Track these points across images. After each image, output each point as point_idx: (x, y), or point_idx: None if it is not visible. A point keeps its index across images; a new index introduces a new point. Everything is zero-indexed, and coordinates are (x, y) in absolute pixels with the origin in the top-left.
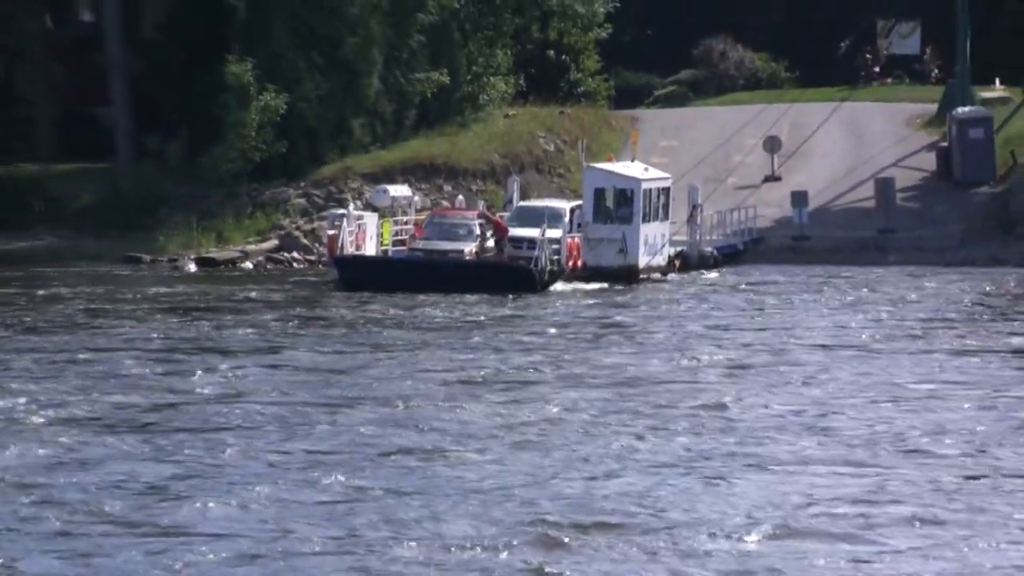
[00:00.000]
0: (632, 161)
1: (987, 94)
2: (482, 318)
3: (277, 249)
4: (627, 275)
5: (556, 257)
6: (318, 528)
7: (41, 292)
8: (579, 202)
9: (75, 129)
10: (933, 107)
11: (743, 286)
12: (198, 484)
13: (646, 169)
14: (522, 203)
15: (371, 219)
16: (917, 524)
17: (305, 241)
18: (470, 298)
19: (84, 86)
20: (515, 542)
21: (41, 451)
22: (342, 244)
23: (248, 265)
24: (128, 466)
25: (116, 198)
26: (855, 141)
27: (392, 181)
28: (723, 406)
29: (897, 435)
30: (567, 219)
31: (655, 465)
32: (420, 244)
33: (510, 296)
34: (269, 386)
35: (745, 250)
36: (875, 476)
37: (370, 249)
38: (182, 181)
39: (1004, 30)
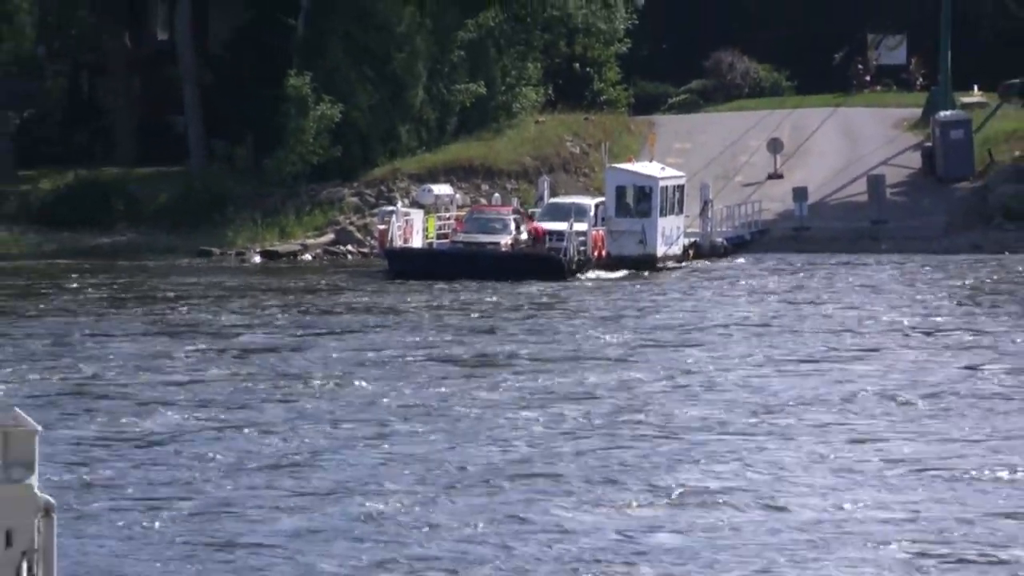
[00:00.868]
0: (650, 161)
1: (966, 99)
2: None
3: (333, 243)
4: (647, 263)
5: (583, 248)
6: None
7: (142, 281)
8: (603, 199)
9: (152, 136)
10: (918, 111)
11: (753, 271)
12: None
13: (662, 168)
14: (552, 200)
15: (417, 215)
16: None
17: (358, 235)
18: (506, 286)
19: (159, 97)
20: None
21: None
22: (392, 238)
23: (307, 257)
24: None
25: (189, 198)
26: (849, 142)
27: (436, 181)
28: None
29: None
30: (592, 214)
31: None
32: (461, 237)
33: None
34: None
35: (752, 240)
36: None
37: (416, 242)
38: (248, 182)
39: (981, 42)
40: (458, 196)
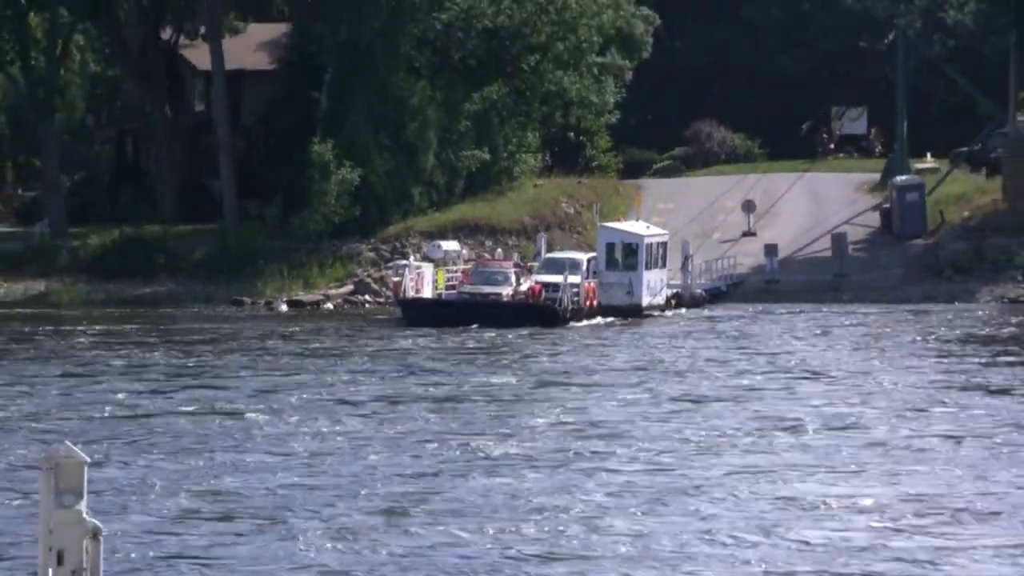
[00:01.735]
0: (636, 220)
1: (920, 165)
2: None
3: (352, 293)
4: (633, 312)
5: (576, 298)
6: None
7: (189, 328)
8: (594, 254)
9: (190, 197)
10: (877, 176)
11: (728, 319)
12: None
13: (648, 227)
14: (548, 255)
15: (428, 268)
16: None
17: (375, 286)
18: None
19: (197, 162)
20: None
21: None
22: (405, 288)
23: (329, 306)
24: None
25: (223, 252)
26: (815, 203)
27: (444, 238)
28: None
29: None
30: (585, 267)
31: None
32: (467, 288)
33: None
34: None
35: (728, 292)
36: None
37: (427, 292)
38: (276, 238)
39: (933, 115)
40: (464, 251)
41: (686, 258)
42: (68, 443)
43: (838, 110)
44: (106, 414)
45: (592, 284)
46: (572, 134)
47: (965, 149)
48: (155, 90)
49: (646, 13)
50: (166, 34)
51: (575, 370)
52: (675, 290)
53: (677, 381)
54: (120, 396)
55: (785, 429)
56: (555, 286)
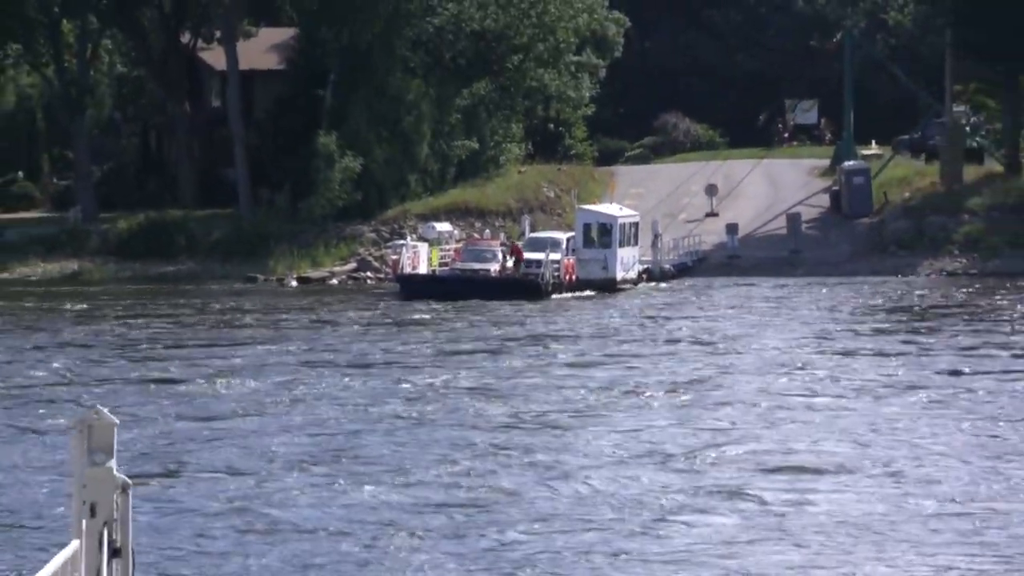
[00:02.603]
0: (610, 203)
1: (866, 152)
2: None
3: (355, 270)
4: (608, 285)
5: (557, 273)
6: None
7: (206, 302)
8: (573, 233)
9: (208, 185)
10: (827, 161)
11: (696, 290)
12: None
13: (621, 209)
14: (531, 235)
15: (423, 247)
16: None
17: (375, 264)
18: (497, 304)
19: (214, 154)
20: None
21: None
22: (402, 266)
23: (334, 282)
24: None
25: (238, 234)
26: (771, 187)
27: (438, 220)
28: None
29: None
30: (564, 245)
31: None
32: (458, 265)
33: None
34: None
35: (693, 266)
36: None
37: (423, 269)
38: (286, 222)
39: (877, 106)
40: (456, 232)
41: (655, 237)
42: (99, 406)
43: (792, 103)
44: (132, 377)
45: (571, 260)
46: (552, 126)
47: (906, 137)
48: (175, 89)
49: (618, 16)
50: (185, 38)
51: (489, 337)
52: (646, 265)
53: (573, 347)
54: (143, 360)
55: (626, 392)
56: (538, 262)
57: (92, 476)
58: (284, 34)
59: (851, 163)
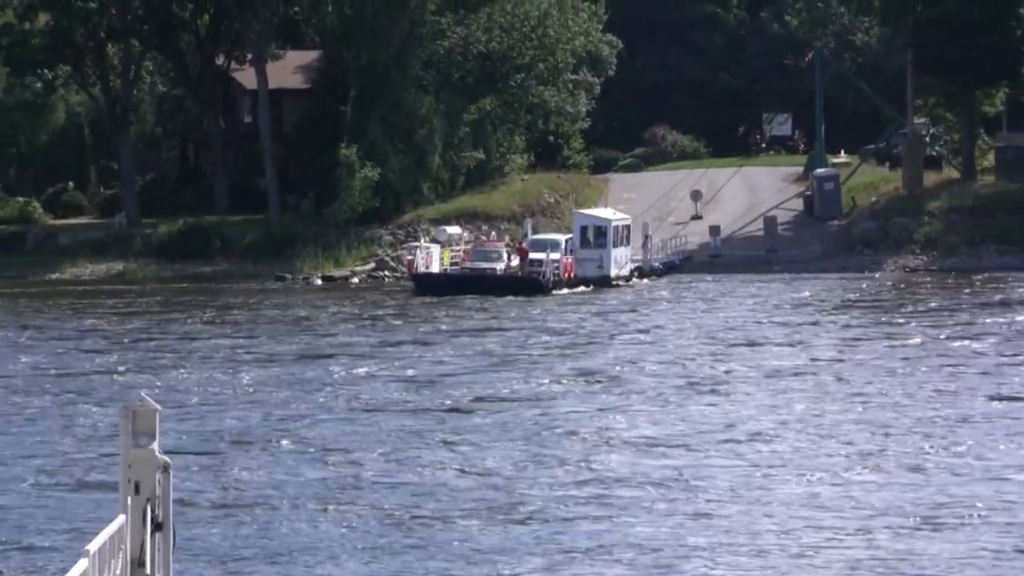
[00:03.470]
0: (605, 208)
1: (836, 160)
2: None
3: (374, 269)
4: (603, 282)
5: (557, 271)
6: None
7: (247, 300)
8: (571, 235)
9: (241, 193)
10: (800, 169)
11: (681, 286)
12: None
13: (614, 213)
14: (534, 236)
15: (435, 249)
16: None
17: (392, 264)
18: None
19: (246, 164)
20: None
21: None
22: (417, 265)
23: (355, 280)
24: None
25: (268, 237)
26: (750, 192)
27: (448, 224)
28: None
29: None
30: (564, 246)
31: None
32: (467, 264)
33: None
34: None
35: (680, 265)
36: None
37: (435, 268)
38: (311, 225)
39: (846, 119)
40: (465, 234)
41: (646, 238)
42: (143, 393)
43: (768, 116)
44: (167, 363)
45: (569, 260)
46: (552, 138)
47: (872, 146)
48: (211, 107)
49: (611, 39)
50: (220, 60)
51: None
52: (637, 264)
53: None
54: (184, 346)
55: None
56: (539, 261)
57: (136, 457)
58: (309, 56)
59: (822, 170)
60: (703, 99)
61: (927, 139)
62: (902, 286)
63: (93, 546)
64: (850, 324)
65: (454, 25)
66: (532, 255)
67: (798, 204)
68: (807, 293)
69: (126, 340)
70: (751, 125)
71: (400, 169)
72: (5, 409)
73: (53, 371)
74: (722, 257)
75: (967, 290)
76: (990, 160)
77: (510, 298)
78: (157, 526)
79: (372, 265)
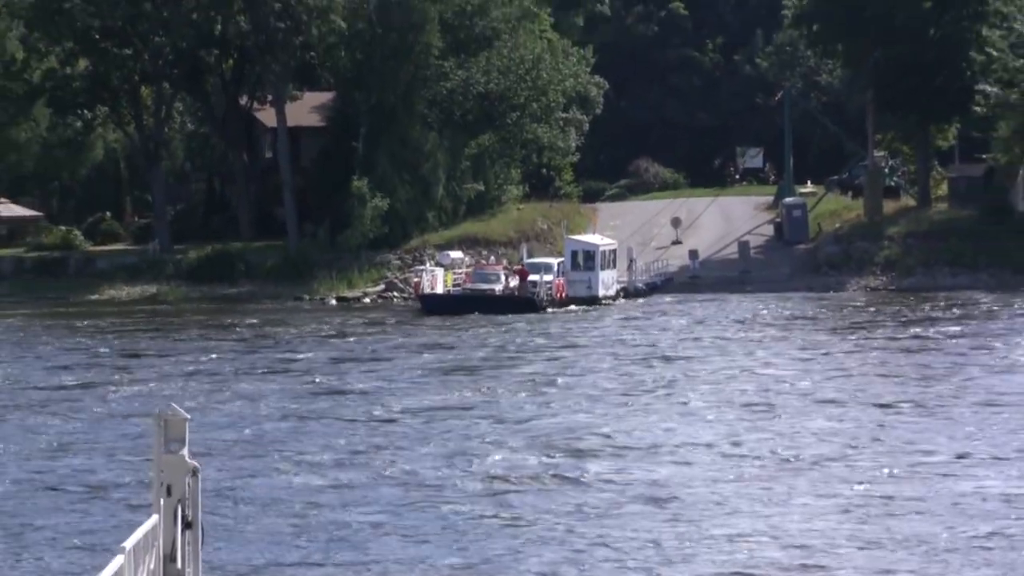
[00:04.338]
0: (593, 234)
1: (803, 190)
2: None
3: (384, 291)
4: (592, 301)
5: (550, 292)
6: None
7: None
8: (563, 259)
9: (262, 221)
10: (771, 198)
11: (663, 304)
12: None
13: (602, 238)
14: (529, 260)
15: (440, 272)
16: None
17: (401, 285)
18: (504, 317)
19: (267, 196)
20: None
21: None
22: (423, 287)
23: (367, 300)
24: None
25: (287, 262)
26: (725, 219)
27: (451, 249)
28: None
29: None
30: (556, 269)
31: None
32: (469, 286)
33: (524, 315)
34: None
35: (661, 285)
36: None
37: (439, 289)
38: (327, 251)
39: (812, 152)
40: (466, 258)
41: (630, 261)
42: (173, 404)
43: (741, 149)
44: (194, 373)
45: (561, 281)
46: (544, 170)
47: (836, 177)
48: (235, 143)
49: (598, 80)
50: (243, 101)
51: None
52: (623, 285)
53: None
54: (211, 361)
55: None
56: (534, 283)
57: (168, 462)
58: (324, 97)
59: (791, 199)
60: (682, 135)
61: (886, 170)
62: (859, 303)
63: (129, 543)
64: (786, 336)
65: (456, 68)
66: (528, 278)
67: (769, 230)
68: (765, 311)
69: (163, 353)
70: (726, 158)
71: (407, 199)
72: (47, 418)
73: (99, 380)
74: (700, 278)
75: (926, 306)
76: (943, 189)
77: (508, 316)
78: (187, 525)
79: (382, 287)
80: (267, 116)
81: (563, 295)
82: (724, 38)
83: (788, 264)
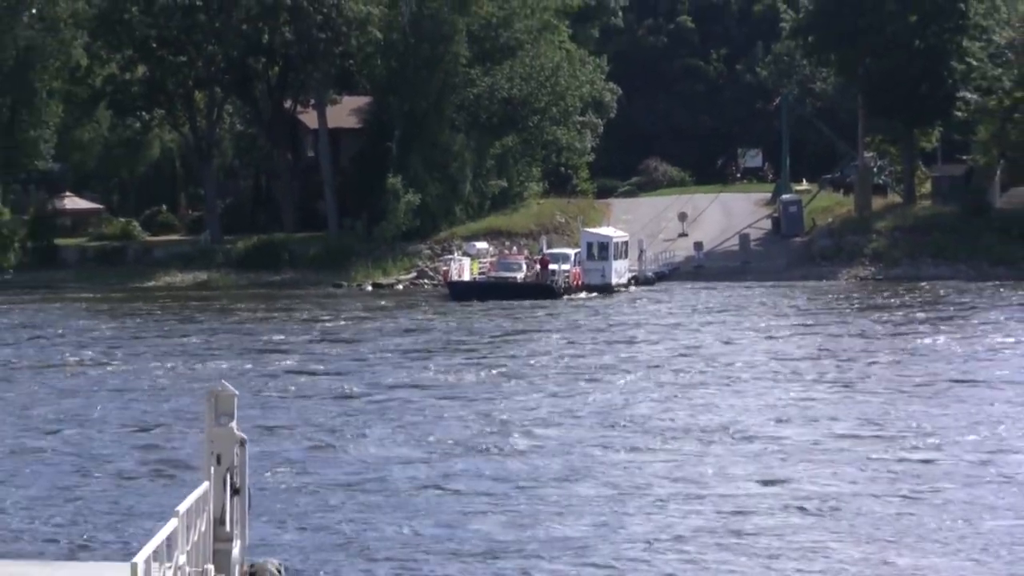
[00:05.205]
0: (607, 227)
1: (799, 187)
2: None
3: (416, 278)
4: (606, 289)
5: (567, 280)
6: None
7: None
8: (579, 249)
9: (305, 215)
10: (769, 195)
11: (671, 291)
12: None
13: (615, 231)
14: (548, 251)
15: (466, 261)
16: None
17: (431, 273)
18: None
19: (309, 192)
20: None
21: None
22: (451, 274)
23: (400, 287)
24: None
25: (328, 252)
26: (727, 214)
27: (477, 240)
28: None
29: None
30: (573, 259)
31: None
32: (493, 274)
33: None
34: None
35: (669, 274)
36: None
37: (466, 277)
38: (364, 242)
39: (807, 153)
40: (491, 249)
41: (641, 252)
42: (223, 381)
43: (742, 151)
44: (241, 355)
45: (578, 270)
46: (562, 169)
47: (829, 176)
48: (280, 143)
49: (612, 87)
50: (287, 104)
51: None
52: (634, 273)
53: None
54: (263, 342)
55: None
56: (553, 271)
57: (218, 434)
58: (361, 101)
59: (787, 196)
60: (688, 137)
61: (875, 170)
62: (849, 291)
63: (182, 507)
64: (782, 320)
65: (482, 76)
66: (549, 266)
67: (767, 224)
68: (761, 299)
69: (221, 333)
70: (728, 158)
71: (437, 195)
72: (112, 393)
73: (156, 358)
74: (704, 268)
75: (906, 296)
76: (927, 187)
77: (529, 302)
78: (235, 491)
79: (414, 274)
80: (309, 118)
81: (579, 283)
82: (727, 49)
83: (784, 255)
